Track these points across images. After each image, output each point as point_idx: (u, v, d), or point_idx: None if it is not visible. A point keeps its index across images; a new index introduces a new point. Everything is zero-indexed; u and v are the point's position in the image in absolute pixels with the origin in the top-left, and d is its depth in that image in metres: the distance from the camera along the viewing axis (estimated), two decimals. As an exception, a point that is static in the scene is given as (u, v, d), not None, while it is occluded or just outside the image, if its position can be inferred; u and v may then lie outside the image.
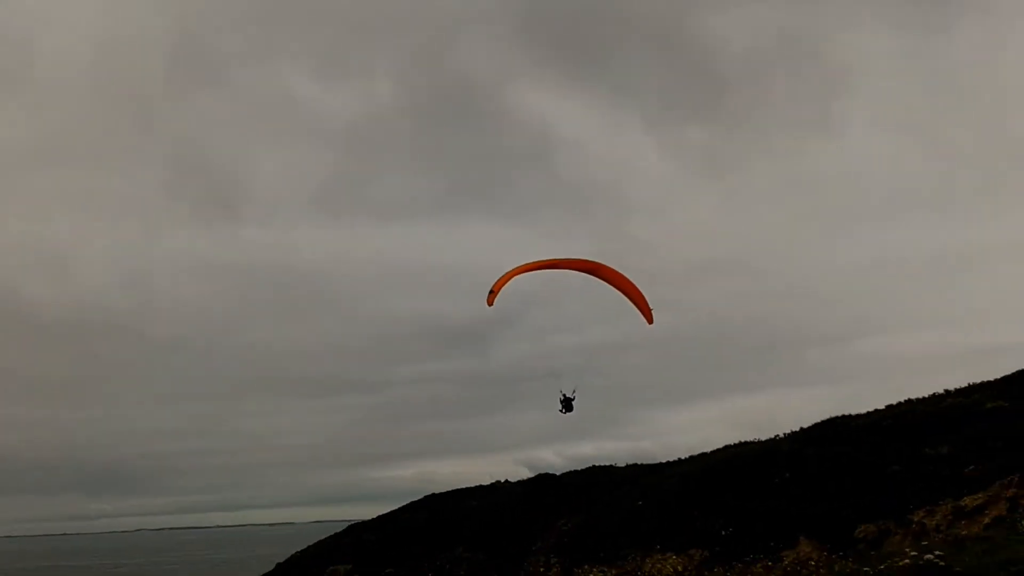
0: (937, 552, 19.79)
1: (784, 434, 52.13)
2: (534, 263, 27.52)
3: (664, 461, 61.72)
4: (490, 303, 26.44)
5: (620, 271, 28.37)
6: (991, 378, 47.00)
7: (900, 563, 19.75)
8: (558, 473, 68.87)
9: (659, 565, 31.92)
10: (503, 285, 26.51)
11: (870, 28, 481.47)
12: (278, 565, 67.79)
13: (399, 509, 71.44)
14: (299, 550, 70.18)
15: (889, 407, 48.66)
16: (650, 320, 28.74)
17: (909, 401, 48.51)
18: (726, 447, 55.54)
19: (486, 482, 72.01)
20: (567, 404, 29.66)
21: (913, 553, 20.20)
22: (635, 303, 28.65)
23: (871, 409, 49.40)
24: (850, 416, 49.51)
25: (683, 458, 60.00)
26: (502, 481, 71.56)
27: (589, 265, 28.36)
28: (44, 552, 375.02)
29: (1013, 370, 46.43)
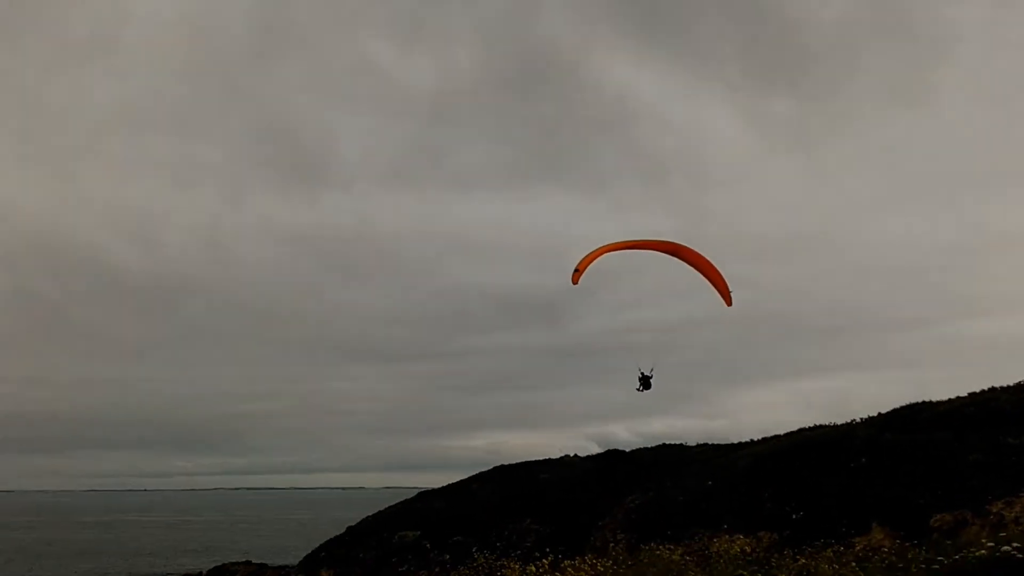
0: (1015, 544, 19.26)
1: (861, 419, 51.32)
2: (619, 243, 27.41)
3: (736, 442, 61.34)
4: (575, 282, 26.39)
5: (700, 252, 28.10)
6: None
7: (976, 554, 19.29)
8: (628, 450, 68.96)
9: (726, 545, 31.60)
10: (588, 264, 26.45)
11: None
12: (348, 528, 69.02)
13: (468, 478, 72.18)
14: (369, 515, 71.34)
15: (971, 394, 47.46)
16: (729, 303, 28.44)
17: (993, 389, 47.24)
18: (800, 430, 54.86)
19: (556, 455, 72.44)
20: (645, 382, 29.37)
21: (990, 544, 19.71)
22: (715, 285, 28.38)
23: (952, 396, 48.33)
24: (930, 402, 48.45)
25: (755, 439, 59.51)
26: (572, 455, 71.86)
27: (670, 247, 28.16)
28: (119, 506, 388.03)
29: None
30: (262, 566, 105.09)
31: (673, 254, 28.23)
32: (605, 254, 27.05)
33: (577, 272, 26.25)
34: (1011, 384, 47.19)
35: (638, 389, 29.52)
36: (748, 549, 30.90)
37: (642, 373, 29.28)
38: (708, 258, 28.19)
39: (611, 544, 30.55)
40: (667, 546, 30.03)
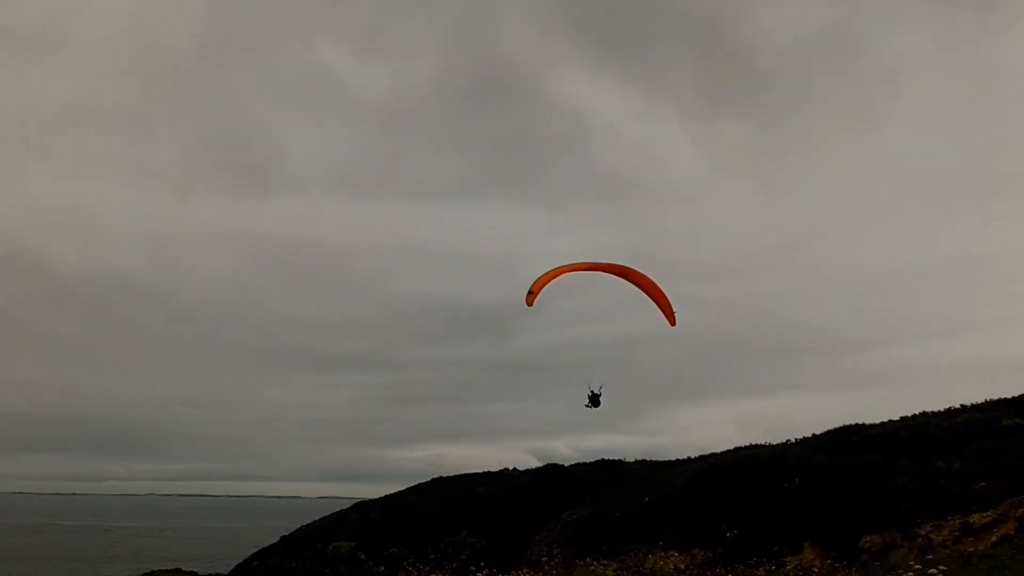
0: (942, 567, 19.70)
1: (796, 439, 52.03)
2: (571, 265, 27.59)
3: (674, 459, 61.83)
4: (529, 303, 26.43)
5: (647, 273, 28.41)
6: (1010, 395, 46.62)
7: (903, 575, 19.65)
8: (567, 464, 69.10)
9: (661, 562, 31.82)
10: (543, 286, 26.54)
11: (915, 27, 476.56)
12: (283, 538, 68.29)
13: (406, 490, 71.83)
14: (304, 524, 70.61)
15: (903, 418, 48.43)
16: (673, 322, 28.71)
17: (924, 413, 48.25)
18: (736, 449, 55.51)
19: (495, 469, 72.32)
20: (595, 400, 29.39)
21: (917, 567, 20.11)
22: (660, 305, 28.66)
23: (885, 419, 49.20)
24: (863, 425, 49.29)
25: (692, 457, 60.09)
26: (511, 469, 71.80)
27: (620, 269, 28.42)
28: (49, 509, 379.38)
29: (1033, 388, 46.01)
30: (192, 574, 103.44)
31: (623, 276, 28.49)
32: (559, 276, 27.20)
33: (531, 294, 26.31)
34: (942, 409, 48.22)
35: (587, 406, 29.52)
36: (682, 566, 31.15)
37: (591, 391, 29.31)
38: (654, 280, 28.51)
39: (546, 559, 30.54)
40: (602, 561, 30.13)
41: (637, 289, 28.63)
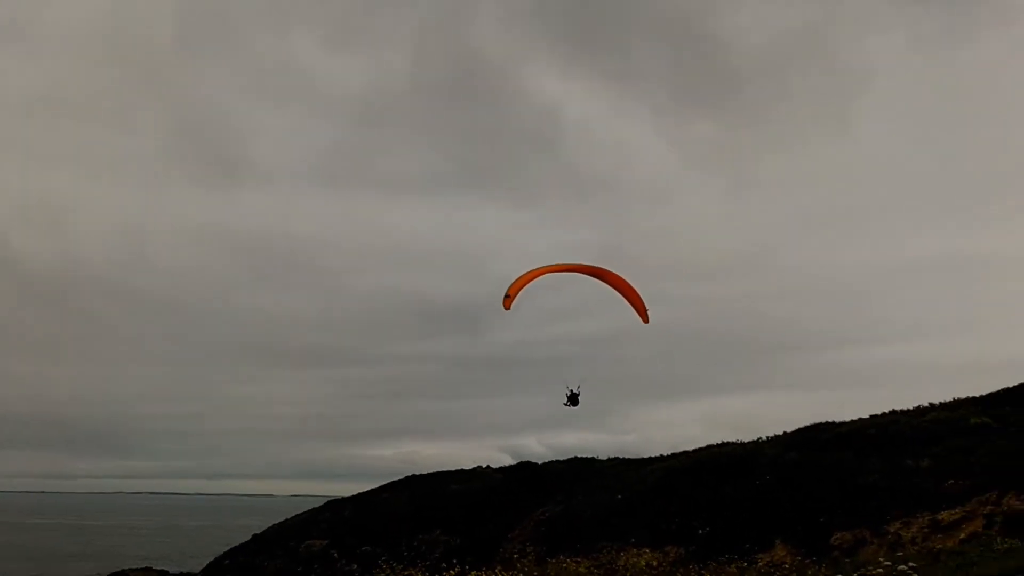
0: (911, 564, 19.88)
1: (767, 437, 52.33)
2: (547, 267, 27.68)
3: (646, 457, 62.03)
4: (507, 307, 26.42)
5: (621, 274, 28.55)
6: (977, 394, 47.16)
7: (873, 572, 19.82)
8: (540, 462, 69.19)
9: (633, 559, 31.87)
10: (519, 289, 26.55)
11: (888, 30, 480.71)
12: (254, 536, 67.93)
13: (379, 488, 71.62)
14: (276, 522, 70.25)
15: (873, 416, 48.78)
16: (646, 320, 28.84)
17: (894, 412, 48.65)
18: (708, 447, 55.73)
19: (468, 466, 72.29)
20: (573, 399, 29.46)
21: (887, 563, 20.27)
22: (632, 303, 28.78)
23: (855, 417, 49.57)
24: (833, 423, 49.63)
25: (665, 455, 60.29)
26: (484, 467, 71.80)
27: (595, 270, 28.56)
28: (18, 507, 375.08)
29: (1000, 387, 46.56)
30: (163, 572, 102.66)
31: (597, 276, 28.60)
32: (535, 279, 27.24)
33: (508, 298, 26.31)
34: (911, 408, 48.65)
35: (565, 404, 29.58)
36: (655, 563, 31.21)
37: (570, 390, 29.36)
38: (627, 279, 28.66)
39: (519, 556, 30.51)
40: (575, 559, 30.13)
41: (610, 288, 28.75)
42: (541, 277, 27.72)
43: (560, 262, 28.62)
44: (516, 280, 26.68)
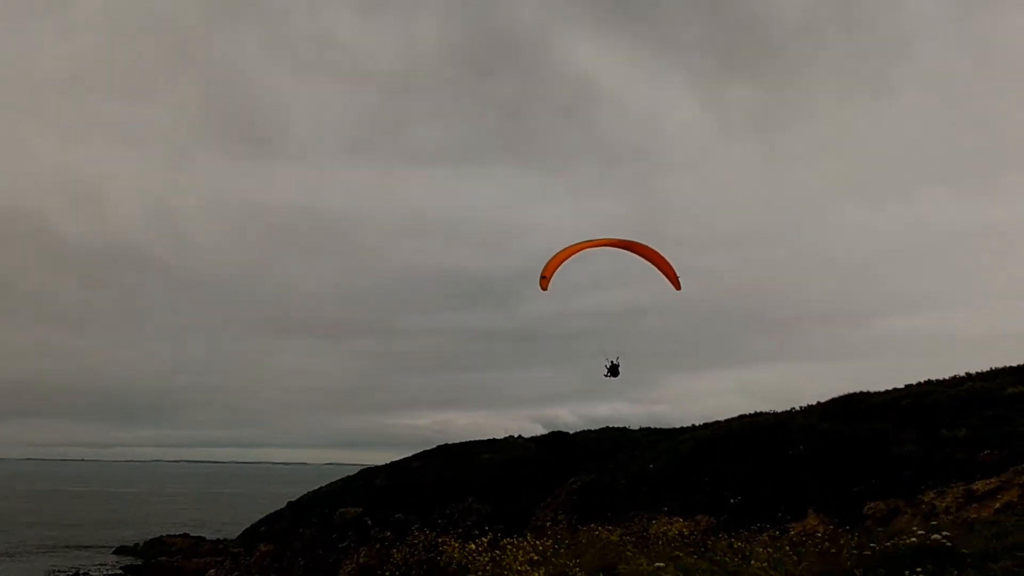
0: (945, 533, 19.72)
1: (800, 407, 52.09)
2: (580, 244, 27.74)
3: (678, 427, 62.02)
4: (544, 288, 26.57)
5: (653, 246, 28.59)
6: (1015, 363, 46.58)
7: (907, 541, 19.69)
8: (572, 432, 69.40)
9: (665, 528, 32.04)
10: (554, 269, 26.64)
11: None
12: (289, 503, 68.70)
13: (412, 456, 72.18)
14: (311, 490, 71.06)
15: (908, 386, 48.39)
16: (677, 286, 28.87)
17: (929, 382, 48.22)
18: (740, 416, 55.56)
19: (500, 436, 72.68)
20: (614, 370, 29.73)
21: (921, 532, 20.11)
22: (664, 272, 28.81)
23: (890, 388, 49.22)
24: (868, 393, 49.28)
25: (697, 424, 60.23)
26: (516, 436, 72.16)
27: (625, 244, 28.62)
28: (56, 475, 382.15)
29: (1037, 357, 45.97)
30: (200, 539, 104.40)
31: (629, 250, 28.64)
32: (570, 257, 27.31)
33: (544, 279, 26.43)
34: (947, 377, 48.19)
35: (606, 375, 29.87)
36: (686, 532, 31.33)
37: (610, 361, 29.61)
38: (658, 251, 28.69)
39: (549, 524, 30.76)
40: (607, 527, 30.31)
41: (641, 259, 28.76)
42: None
43: (592, 236, 28.68)
44: (550, 260, 26.76)
